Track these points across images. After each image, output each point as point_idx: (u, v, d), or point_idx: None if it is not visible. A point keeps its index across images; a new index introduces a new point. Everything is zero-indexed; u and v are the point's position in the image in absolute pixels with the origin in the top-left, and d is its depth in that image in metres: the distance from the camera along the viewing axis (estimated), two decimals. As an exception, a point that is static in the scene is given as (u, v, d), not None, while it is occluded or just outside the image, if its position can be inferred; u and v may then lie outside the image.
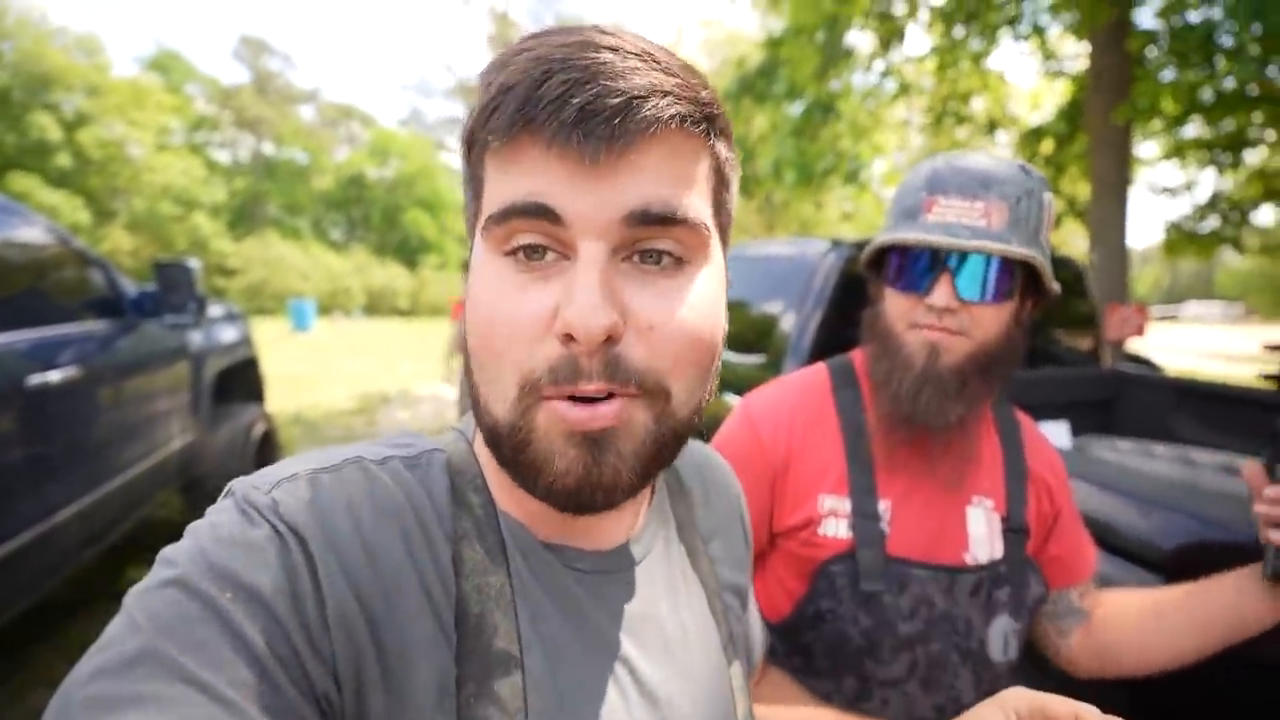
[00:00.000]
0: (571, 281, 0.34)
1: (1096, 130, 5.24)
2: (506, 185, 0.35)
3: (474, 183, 0.38)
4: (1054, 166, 7.25)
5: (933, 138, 8.43)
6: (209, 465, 3.03)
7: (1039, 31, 6.23)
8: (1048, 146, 7.31)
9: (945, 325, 0.75)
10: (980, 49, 6.78)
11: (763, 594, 0.85)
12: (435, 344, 4.26)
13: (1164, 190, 8.12)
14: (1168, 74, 5.05)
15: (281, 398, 6.90)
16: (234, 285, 28.92)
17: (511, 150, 0.34)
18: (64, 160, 24.48)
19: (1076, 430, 2.20)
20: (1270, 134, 5.89)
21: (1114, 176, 5.23)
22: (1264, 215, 7.76)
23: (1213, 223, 6.97)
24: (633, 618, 0.44)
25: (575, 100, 0.32)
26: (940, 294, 0.74)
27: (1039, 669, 0.91)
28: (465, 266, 0.41)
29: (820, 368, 0.92)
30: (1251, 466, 0.71)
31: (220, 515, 0.35)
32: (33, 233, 2.13)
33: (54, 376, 1.87)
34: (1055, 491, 0.88)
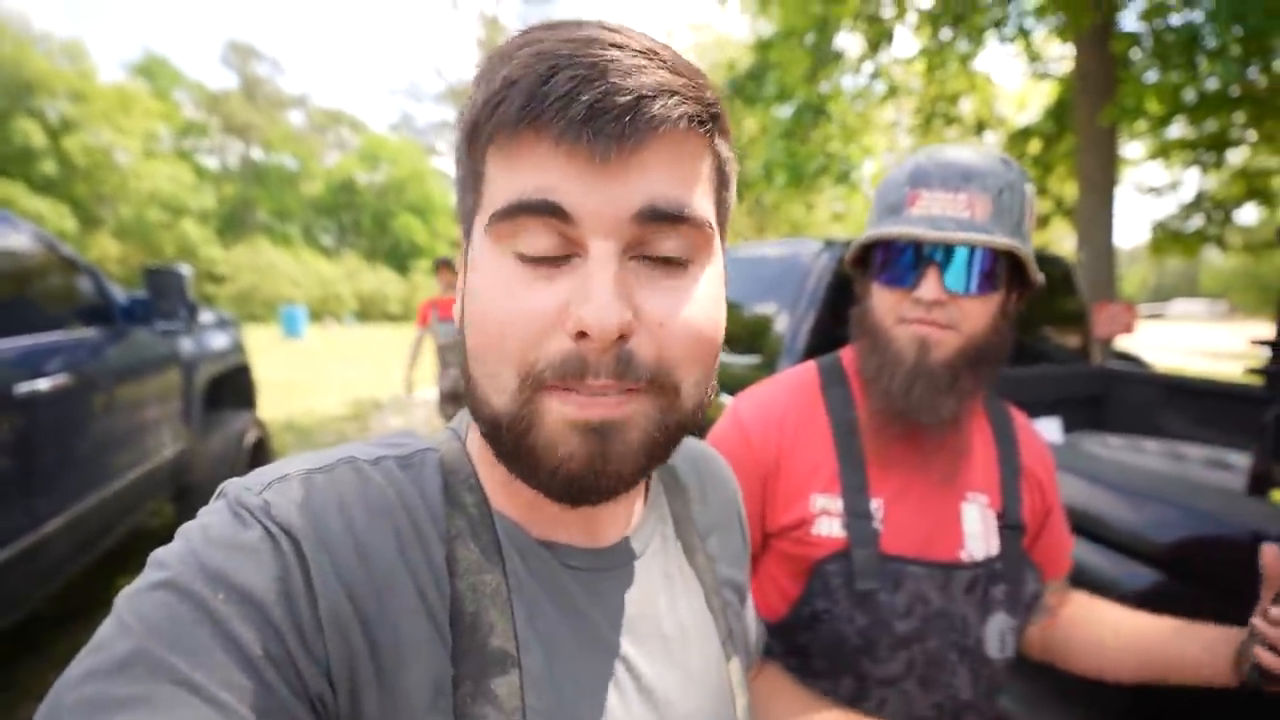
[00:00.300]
0: (586, 279, 0.34)
1: (1083, 131, 5.29)
2: (512, 181, 0.34)
3: (473, 177, 0.37)
4: (1041, 166, 7.32)
5: (922, 138, 8.48)
6: (201, 473, 3.00)
7: (1024, 34, 6.29)
8: (1035, 146, 7.38)
9: (934, 319, 0.75)
10: (967, 51, 6.83)
11: (758, 595, 0.84)
12: (425, 349, 4.25)
13: (1150, 190, 8.23)
14: (1151, 75, 5.12)
15: (274, 404, 6.86)
16: (223, 292, 28.76)
17: (516, 146, 0.34)
18: (49, 167, 24.28)
19: (1067, 427, 2.22)
20: (1252, 134, 5.97)
21: (1100, 176, 5.28)
22: (1247, 214, 7.86)
23: (1197, 222, 7.09)
24: (630, 614, 0.44)
25: (584, 97, 0.32)
26: (928, 287, 0.74)
27: (1037, 667, 0.92)
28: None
29: (809, 366, 0.91)
30: (1271, 552, 0.64)
31: (212, 516, 0.35)
32: (20, 239, 2.10)
33: (43, 384, 1.84)
34: (1047, 487, 0.88)
